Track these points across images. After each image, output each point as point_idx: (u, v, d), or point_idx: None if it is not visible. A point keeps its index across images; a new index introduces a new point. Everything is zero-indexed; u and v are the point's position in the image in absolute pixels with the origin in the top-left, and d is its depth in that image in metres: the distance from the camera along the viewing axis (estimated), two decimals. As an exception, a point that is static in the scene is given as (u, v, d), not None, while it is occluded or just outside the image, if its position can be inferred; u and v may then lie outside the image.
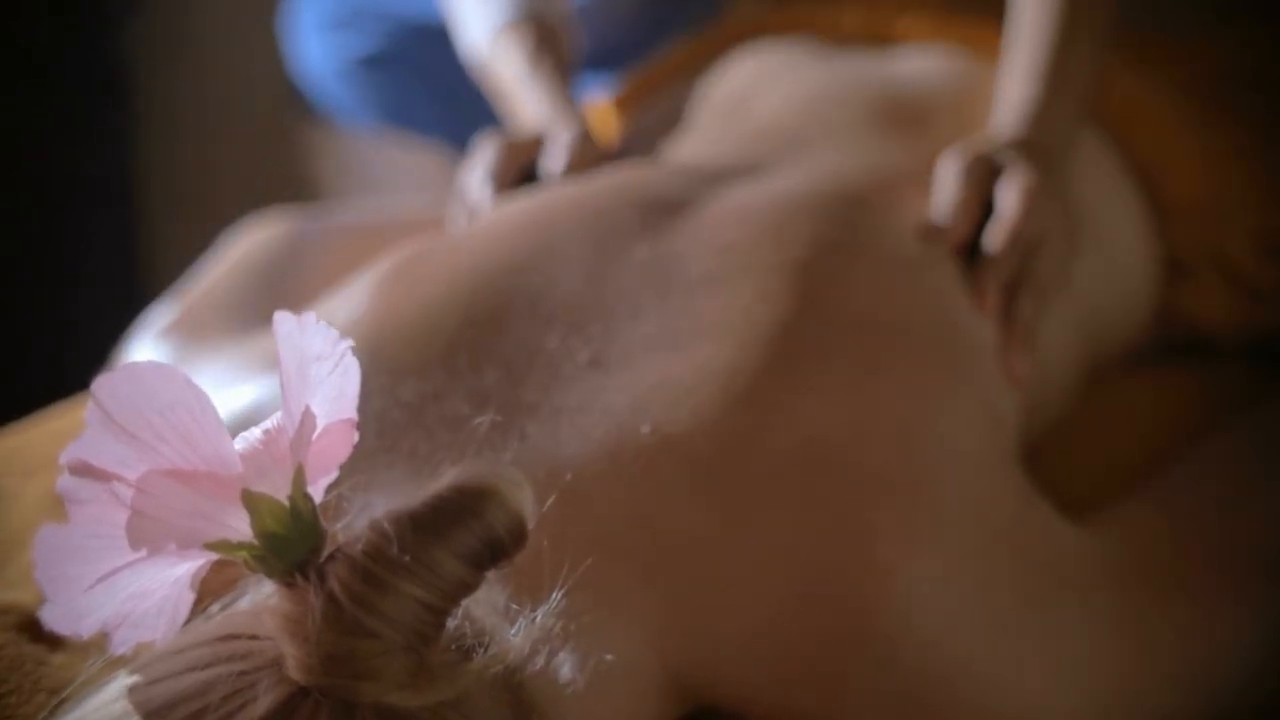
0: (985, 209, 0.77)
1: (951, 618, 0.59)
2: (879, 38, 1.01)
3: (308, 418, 0.42)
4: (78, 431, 0.41)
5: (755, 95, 0.95)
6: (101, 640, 0.42)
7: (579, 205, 0.75)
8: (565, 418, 0.62)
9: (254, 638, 0.43)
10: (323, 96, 1.44)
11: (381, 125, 1.43)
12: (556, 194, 0.77)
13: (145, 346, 0.89)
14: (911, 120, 0.88)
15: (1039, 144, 0.80)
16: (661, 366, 0.63)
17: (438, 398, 0.63)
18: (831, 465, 0.60)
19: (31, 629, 0.68)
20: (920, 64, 0.95)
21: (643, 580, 0.58)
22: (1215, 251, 0.97)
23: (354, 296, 0.72)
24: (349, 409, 0.43)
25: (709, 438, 0.60)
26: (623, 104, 1.10)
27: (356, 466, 0.60)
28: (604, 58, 1.24)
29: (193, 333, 0.87)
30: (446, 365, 0.65)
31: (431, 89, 1.39)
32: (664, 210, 0.74)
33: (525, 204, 0.76)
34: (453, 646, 0.42)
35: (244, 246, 1.02)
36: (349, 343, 0.43)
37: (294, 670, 0.41)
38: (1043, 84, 0.83)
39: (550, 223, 0.73)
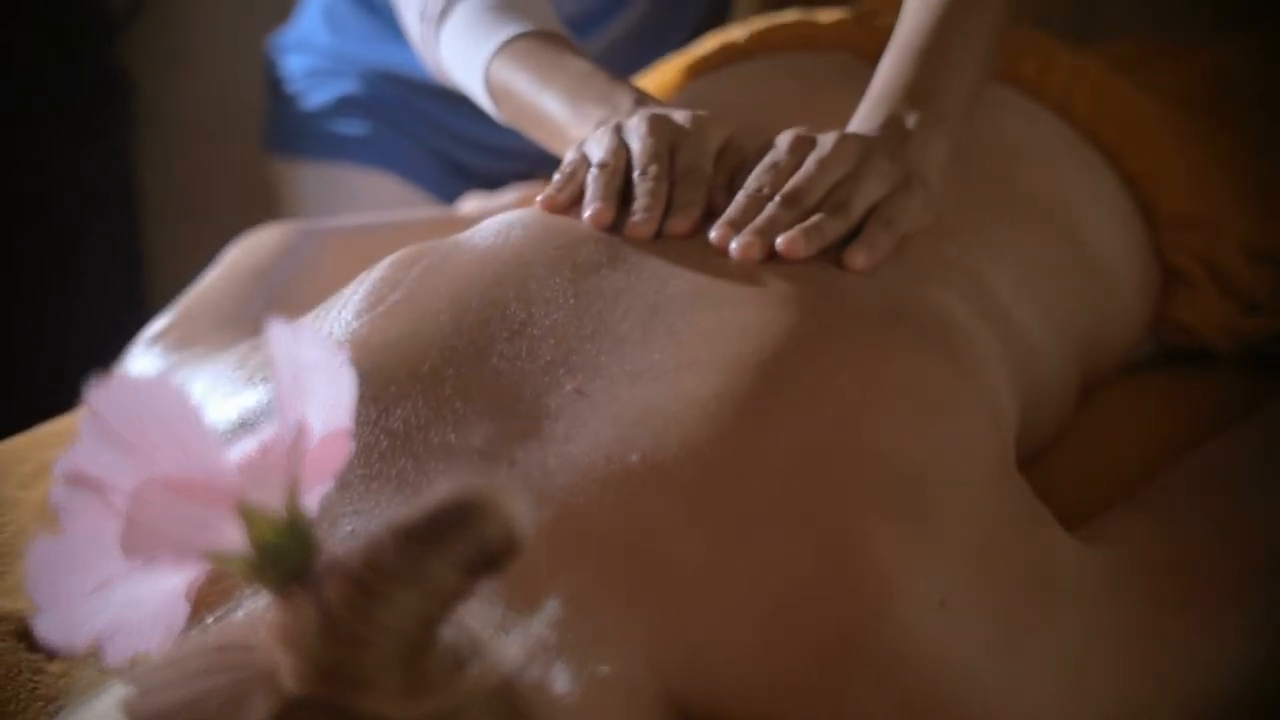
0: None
1: (953, 631, 0.59)
2: (873, 49, 1.01)
3: (303, 427, 0.42)
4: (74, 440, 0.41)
5: (744, 110, 0.94)
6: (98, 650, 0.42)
7: (548, 233, 0.74)
8: (553, 446, 0.62)
9: (249, 648, 0.43)
10: (314, 137, 1.42)
11: (365, 167, 1.40)
12: (524, 219, 0.76)
13: (139, 354, 0.89)
14: None
15: (889, 124, 0.80)
16: (647, 397, 0.63)
17: (424, 426, 0.63)
18: (827, 479, 0.60)
19: (29, 637, 0.68)
20: None
21: (633, 601, 0.58)
22: (1209, 263, 0.97)
23: (340, 316, 0.71)
24: (344, 418, 0.43)
25: (698, 463, 0.60)
26: None
27: (345, 495, 0.60)
28: None
29: (186, 339, 0.87)
30: (432, 393, 0.65)
31: (402, 132, 1.38)
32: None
33: (494, 230, 0.75)
34: (448, 657, 0.42)
35: (239, 251, 1.02)
36: (344, 352, 0.43)
37: (289, 680, 0.41)
38: (915, 65, 0.83)
39: (520, 250, 0.72)
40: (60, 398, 0.96)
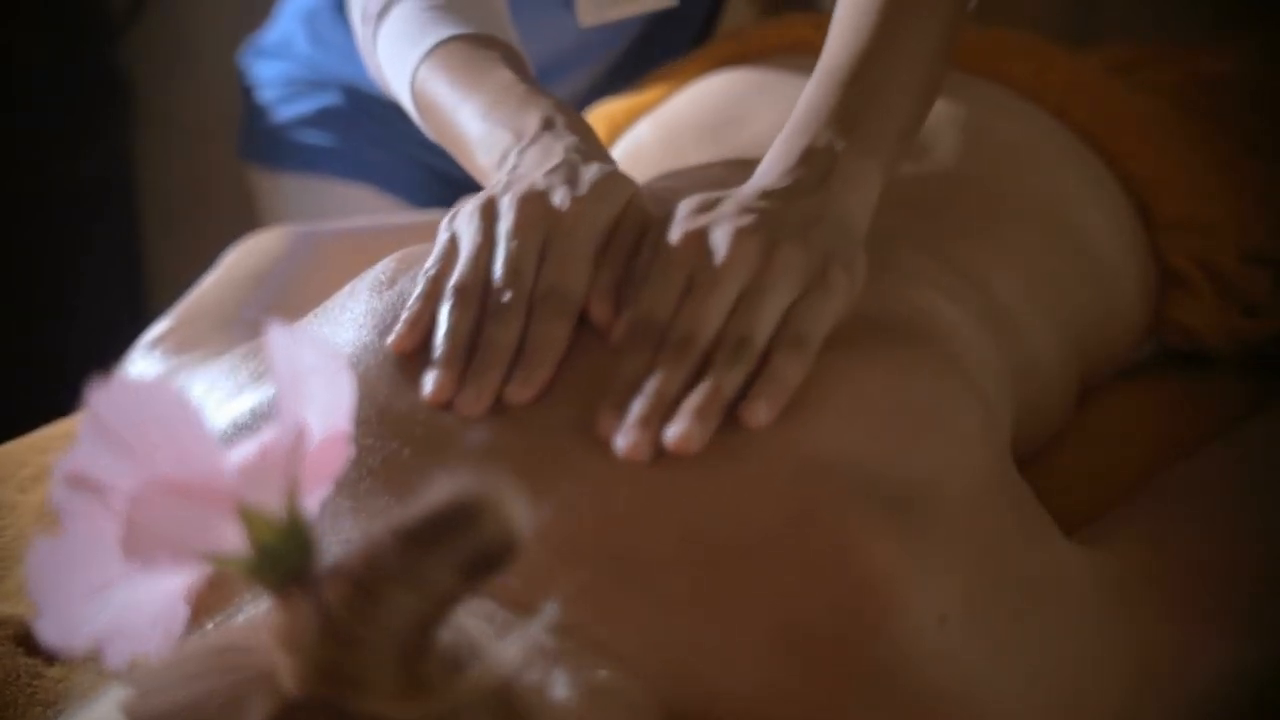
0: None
1: (952, 646, 0.58)
2: None
3: (302, 430, 0.42)
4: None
5: (737, 120, 0.94)
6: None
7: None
8: (539, 496, 0.62)
9: (248, 650, 0.43)
10: (291, 149, 1.39)
11: (344, 180, 1.37)
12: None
13: (139, 358, 0.89)
14: None
15: (806, 159, 0.70)
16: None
17: (406, 469, 0.63)
18: (821, 500, 0.59)
19: (28, 641, 0.68)
20: None
21: (626, 617, 0.58)
22: (1206, 265, 0.97)
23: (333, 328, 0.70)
24: (343, 421, 0.43)
25: (688, 498, 0.60)
26: (612, 129, 1.09)
27: (335, 525, 0.60)
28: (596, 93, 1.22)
29: (186, 343, 0.87)
30: (409, 434, 0.64)
31: (383, 145, 1.35)
32: None
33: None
34: (446, 659, 0.42)
35: (238, 254, 1.02)
36: (343, 355, 0.43)
37: (288, 681, 0.41)
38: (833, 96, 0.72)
39: None
40: (60, 399, 0.96)
